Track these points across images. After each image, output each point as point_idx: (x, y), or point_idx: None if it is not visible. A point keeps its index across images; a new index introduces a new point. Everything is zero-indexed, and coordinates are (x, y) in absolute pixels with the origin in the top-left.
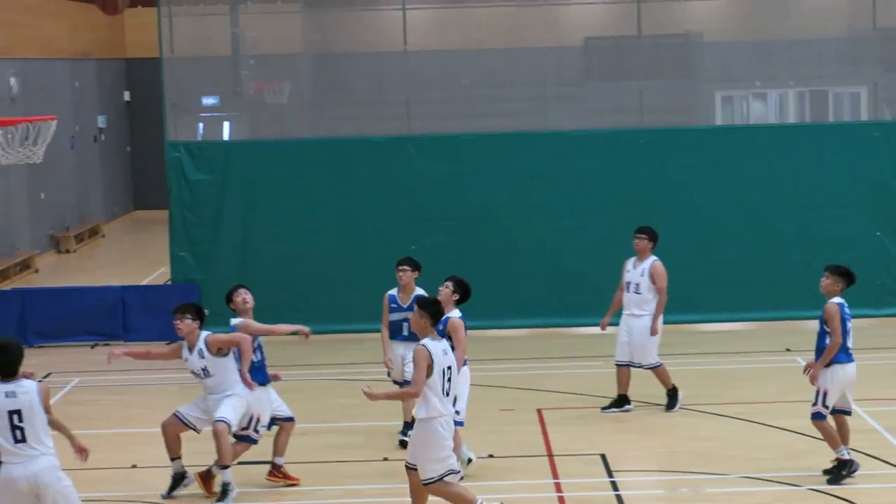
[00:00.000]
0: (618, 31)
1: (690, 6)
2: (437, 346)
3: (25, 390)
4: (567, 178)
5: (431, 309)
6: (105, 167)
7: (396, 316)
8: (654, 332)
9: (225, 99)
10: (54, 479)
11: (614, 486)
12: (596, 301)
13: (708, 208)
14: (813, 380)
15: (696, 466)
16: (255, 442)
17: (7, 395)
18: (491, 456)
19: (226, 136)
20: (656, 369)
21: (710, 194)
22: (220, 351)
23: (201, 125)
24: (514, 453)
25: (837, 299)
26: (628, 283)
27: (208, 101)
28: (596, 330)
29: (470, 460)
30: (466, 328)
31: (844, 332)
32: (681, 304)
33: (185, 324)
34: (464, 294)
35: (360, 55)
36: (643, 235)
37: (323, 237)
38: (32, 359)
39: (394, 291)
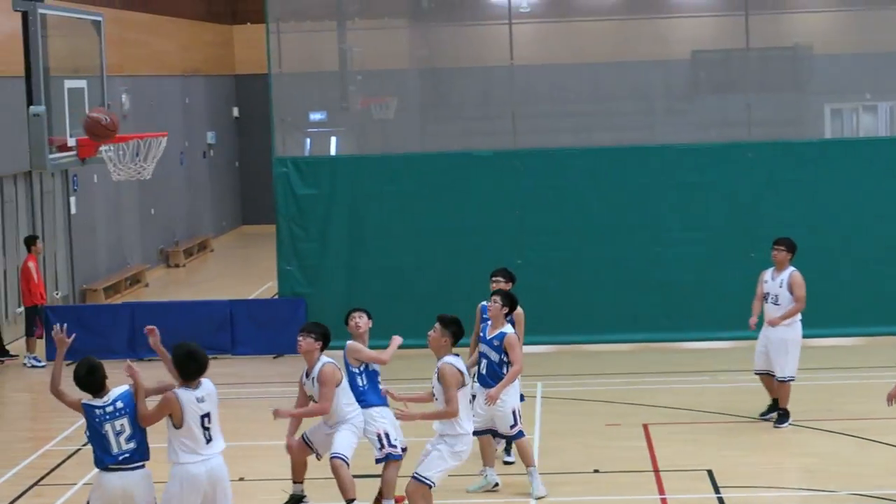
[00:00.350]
0: (726, 44)
1: (799, 18)
2: (462, 364)
3: (209, 392)
4: (674, 192)
5: (454, 328)
6: (214, 182)
7: None
8: (772, 323)
9: (332, 114)
10: (226, 475)
11: (721, 501)
12: (703, 315)
13: (816, 222)
14: None
15: (804, 483)
16: (400, 457)
17: (198, 400)
18: (596, 471)
19: (333, 151)
20: (785, 383)
21: (818, 208)
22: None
23: (308, 140)
24: (619, 468)
25: None
26: (767, 294)
27: (315, 116)
28: (703, 345)
29: (496, 484)
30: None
31: None
32: None
33: (307, 342)
34: (511, 307)
35: (467, 70)
36: (781, 247)
37: (429, 252)
38: (143, 372)
39: (487, 303)
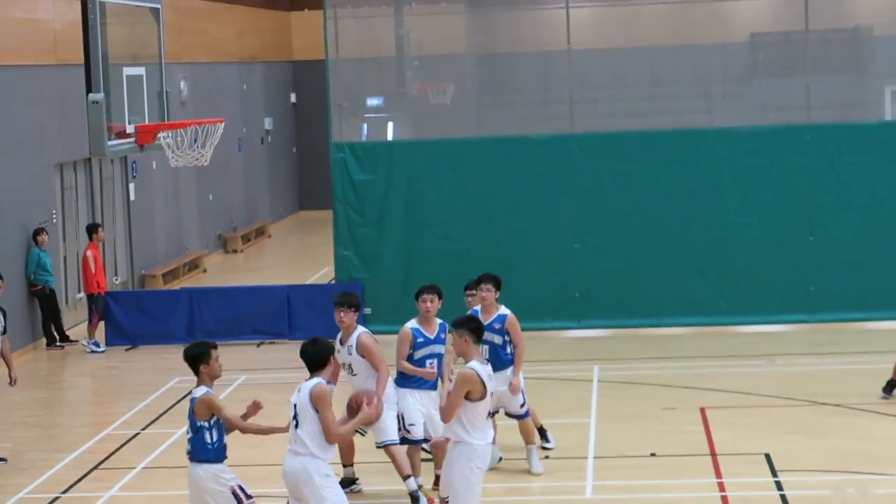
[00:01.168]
0: (784, 26)
1: (859, 0)
2: (485, 370)
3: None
4: (733, 176)
5: (471, 325)
6: (271, 168)
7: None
8: None
9: (389, 100)
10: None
11: (778, 485)
12: (762, 299)
13: (875, 204)
14: None
15: (863, 467)
16: (419, 441)
17: (299, 390)
18: (653, 454)
19: (390, 137)
20: None
21: (878, 190)
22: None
23: (365, 126)
24: (676, 452)
25: None
26: None
27: (372, 101)
28: (761, 328)
29: (500, 458)
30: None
31: None
32: (848, 301)
33: (349, 316)
34: (500, 289)
35: (524, 54)
36: None
37: (486, 236)
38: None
39: (478, 308)
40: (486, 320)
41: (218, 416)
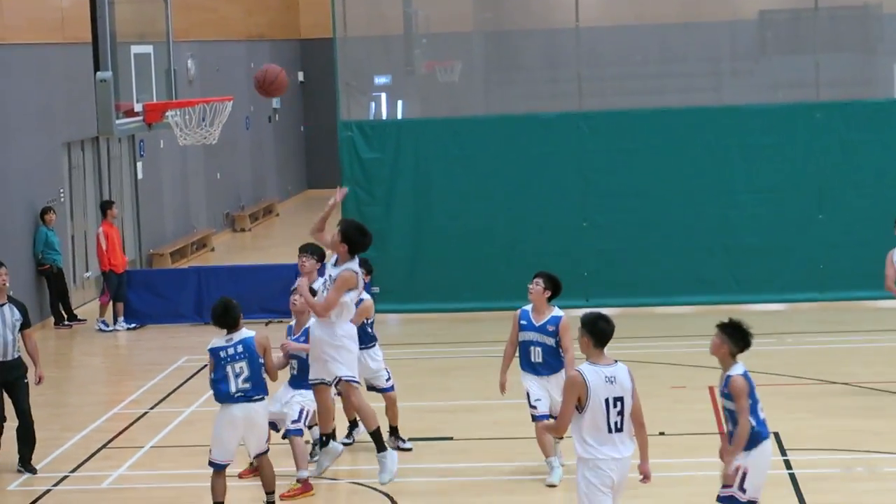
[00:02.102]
0: (793, 3)
1: None
2: (598, 373)
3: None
4: (742, 154)
5: (593, 326)
6: (279, 147)
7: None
8: None
9: (397, 78)
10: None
11: (787, 464)
12: (771, 277)
13: (885, 182)
14: None
15: (872, 445)
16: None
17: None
18: (662, 433)
19: (398, 115)
20: None
21: (887, 168)
22: None
23: (373, 104)
24: (685, 431)
25: (739, 367)
26: None
27: (380, 80)
28: (769, 307)
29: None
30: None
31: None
32: (857, 280)
33: (310, 262)
34: (555, 290)
35: (532, 32)
36: None
37: (494, 214)
38: (208, 335)
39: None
40: (538, 321)
41: (267, 354)
